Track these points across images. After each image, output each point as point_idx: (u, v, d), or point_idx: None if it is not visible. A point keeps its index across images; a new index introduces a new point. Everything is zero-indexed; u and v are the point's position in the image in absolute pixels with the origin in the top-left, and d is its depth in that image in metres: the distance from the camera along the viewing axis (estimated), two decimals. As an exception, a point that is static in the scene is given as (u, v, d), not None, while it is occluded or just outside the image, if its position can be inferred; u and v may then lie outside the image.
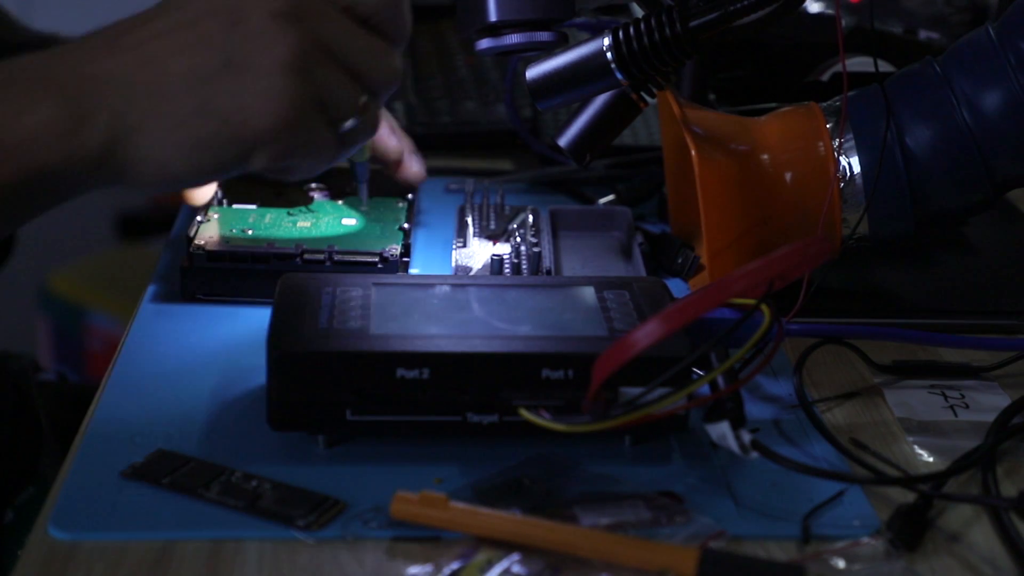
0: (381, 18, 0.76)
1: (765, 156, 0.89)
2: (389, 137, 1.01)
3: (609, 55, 0.83)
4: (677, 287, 0.93)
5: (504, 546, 0.67)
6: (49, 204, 0.74)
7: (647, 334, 0.68)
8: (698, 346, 0.72)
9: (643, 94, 0.87)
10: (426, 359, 0.72)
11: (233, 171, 0.74)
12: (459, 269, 0.95)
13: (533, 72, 0.86)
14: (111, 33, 0.74)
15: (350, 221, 0.97)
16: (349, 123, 0.75)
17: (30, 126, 0.71)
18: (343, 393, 0.72)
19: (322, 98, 0.73)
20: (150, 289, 0.93)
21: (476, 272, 0.94)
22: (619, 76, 0.84)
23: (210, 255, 0.91)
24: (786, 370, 0.84)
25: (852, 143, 0.88)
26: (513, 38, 0.85)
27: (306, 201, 1.00)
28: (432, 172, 1.13)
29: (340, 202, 1.00)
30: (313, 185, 1.02)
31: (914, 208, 0.88)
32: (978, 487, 0.74)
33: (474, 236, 0.99)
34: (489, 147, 1.21)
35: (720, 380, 0.72)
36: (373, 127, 0.77)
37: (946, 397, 0.83)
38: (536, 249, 0.95)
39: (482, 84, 1.29)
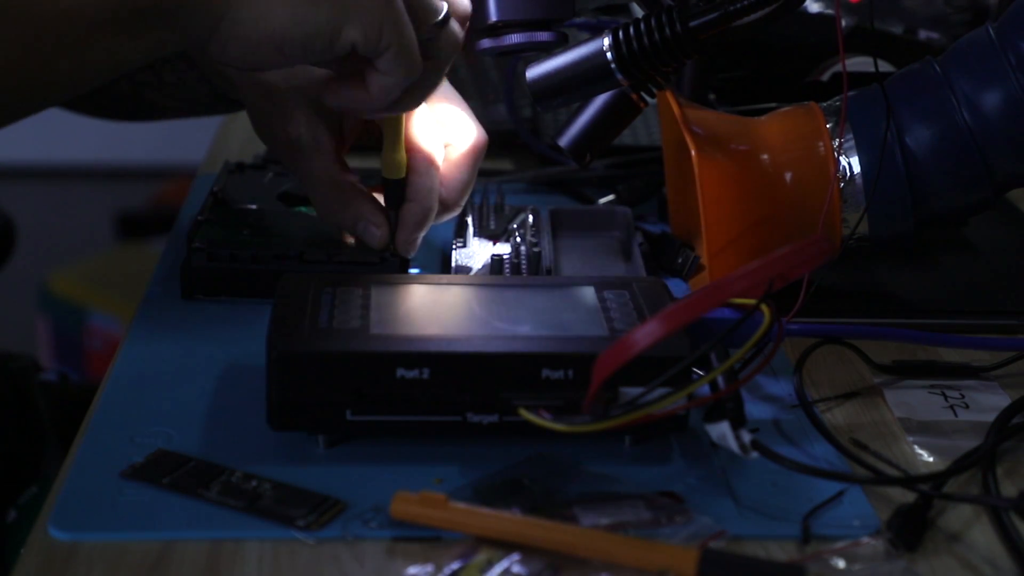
0: None
1: (765, 156, 0.89)
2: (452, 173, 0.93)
3: (609, 55, 0.83)
4: (677, 287, 0.93)
5: (504, 546, 0.66)
6: (156, 46, 0.78)
7: (647, 334, 0.68)
8: (698, 346, 0.72)
9: (643, 94, 0.87)
10: (426, 359, 0.72)
11: (330, 39, 0.78)
12: (459, 269, 0.95)
13: (533, 72, 0.86)
14: None
15: (350, 221, 0.97)
16: (428, 35, 0.80)
17: None
18: (343, 393, 0.72)
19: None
20: (150, 289, 0.93)
21: (476, 272, 0.94)
22: (619, 76, 0.84)
23: (210, 255, 0.91)
24: (786, 370, 0.84)
25: (852, 143, 0.88)
26: (513, 38, 0.85)
27: (306, 201, 1.00)
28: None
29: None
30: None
31: (914, 208, 0.88)
32: (978, 487, 0.74)
33: (474, 236, 0.99)
34: (489, 147, 1.21)
35: (720, 380, 0.72)
36: (454, 43, 0.82)
37: (946, 397, 0.83)
38: (536, 249, 0.95)
39: (482, 84, 1.28)
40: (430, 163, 0.91)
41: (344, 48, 0.78)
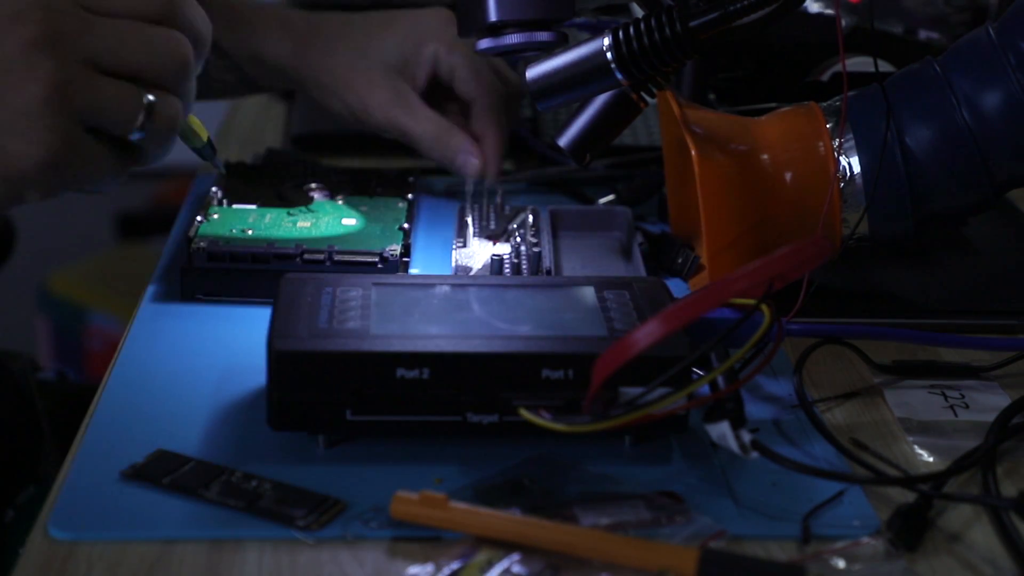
0: (152, 9, 0.72)
1: (765, 156, 0.89)
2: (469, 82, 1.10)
3: (609, 55, 0.83)
4: (677, 287, 0.93)
5: (504, 546, 0.67)
6: None
7: (647, 334, 0.68)
8: (698, 346, 0.72)
9: (643, 94, 0.87)
10: (426, 359, 0.72)
11: (5, 210, 0.74)
12: (459, 269, 0.95)
13: (533, 72, 0.86)
14: None
15: (350, 221, 0.97)
16: (136, 135, 0.72)
17: None
18: (343, 393, 0.72)
19: (95, 119, 0.70)
20: (150, 289, 0.93)
21: (476, 272, 0.94)
22: (619, 76, 0.84)
23: (210, 255, 0.91)
24: (786, 370, 0.84)
25: (852, 143, 0.88)
26: (513, 38, 0.85)
27: (306, 201, 1.00)
28: (432, 172, 1.13)
29: (340, 202, 1.00)
30: (313, 185, 1.02)
31: (914, 208, 0.88)
32: (978, 487, 0.74)
33: (474, 236, 0.99)
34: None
35: (720, 380, 0.72)
36: (169, 126, 0.73)
37: (946, 397, 0.83)
38: (536, 249, 0.95)
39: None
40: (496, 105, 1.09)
41: (31, 202, 0.73)
